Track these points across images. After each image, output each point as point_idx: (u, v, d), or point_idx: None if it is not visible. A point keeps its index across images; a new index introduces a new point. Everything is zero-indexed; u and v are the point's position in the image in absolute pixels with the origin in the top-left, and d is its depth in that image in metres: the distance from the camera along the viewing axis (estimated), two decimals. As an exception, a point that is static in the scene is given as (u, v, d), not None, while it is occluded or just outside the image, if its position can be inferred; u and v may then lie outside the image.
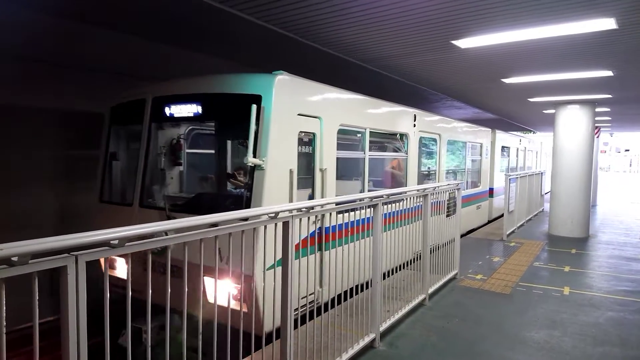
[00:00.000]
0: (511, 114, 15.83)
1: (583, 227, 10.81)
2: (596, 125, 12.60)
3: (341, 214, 4.60)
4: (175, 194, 5.92)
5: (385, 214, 4.48)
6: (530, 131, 23.99)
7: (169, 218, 4.88)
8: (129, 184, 5.83)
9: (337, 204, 3.83)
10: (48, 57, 7.35)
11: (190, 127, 6.24)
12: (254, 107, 4.40)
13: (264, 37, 5.79)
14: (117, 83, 6.85)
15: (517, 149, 15.96)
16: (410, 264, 5.33)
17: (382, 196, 4.33)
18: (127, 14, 5.50)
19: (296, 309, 3.30)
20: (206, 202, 5.57)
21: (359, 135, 6.46)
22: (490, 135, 12.91)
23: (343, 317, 4.15)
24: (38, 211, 7.38)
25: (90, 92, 7.64)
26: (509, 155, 14.91)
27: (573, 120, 10.75)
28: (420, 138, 8.22)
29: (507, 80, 8.50)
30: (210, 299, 2.68)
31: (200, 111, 5.13)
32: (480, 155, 12.25)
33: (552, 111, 11.51)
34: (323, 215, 4.24)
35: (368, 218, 4.34)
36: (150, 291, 2.35)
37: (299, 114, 4.95)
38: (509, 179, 10.24)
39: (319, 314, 3.73)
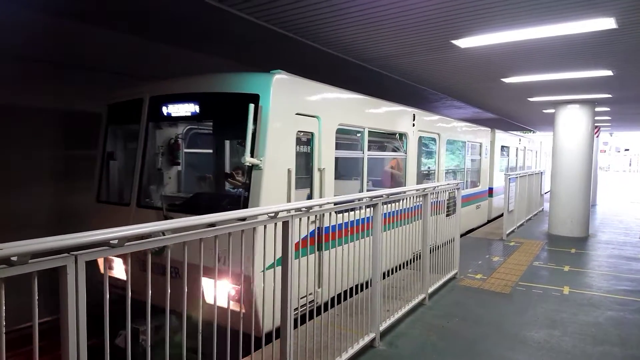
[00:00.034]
0: (511, 113, 15.84)
1: (583, 226, 10.81)
2: (596, 124, 12.60)
3: (340, 214, 4.61)
4: (173, 194, 5.90)
5: (385, 214, 4.48)
6: (530, 131, 24.00)
7: (166, 218, 4.85)
8: (127, 183, 5.81)
9: (337, 203, 3.83)
10: (48, 56, 7.34)
11: (189, 127, 6.22)
12: (252, 106, 4.38)
13: (263, 36, 5.79)
14: (117, 83, 6.83)
15: (517, 149, 15.97)
16: (410, 263, 5.33)
17: (381, 196, 4.33)
18: (127, 14, 5.50)
19: (296, 309, 3.30)
20: (204, 202, 5.55)
21: (357, 134, 6.45)
22: (490, 134, 12.92)
23: (343, 317, 4.15)
24: (35, 211, 7.35)
25: (90, 92, 7.63)
26: (508, 155, 14.91)
27: (573, 120, 10.76)
28: (420, 138, 8.21)
29: (506, 80, 8.50)
30: (208, 300, 2.67)
31: (197, 110, 5.11)
32: (480, 154, 12.25)
33: (552, 111, 11.51)
34: (323, 215, 4.23)
35: (367, 218, 4.34)
36: (150, 292, 2.35)
37: (297, 114, 4.93)
38: (509, 179, 10.24)
39: (318, 314, 3.73)
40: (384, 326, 4.58)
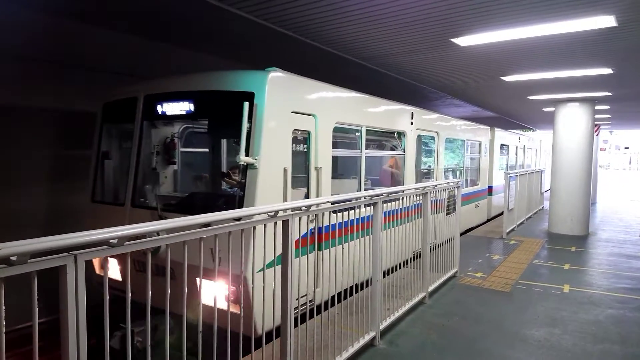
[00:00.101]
0: (511, 111, 15.83)
1: (583, 224, 10.81)
2: (596, 122, 12.61)
3: (340, 213, 4.59)
4: (168, 194, 5.86)
5: (385, 213, 4.47)
6: (530, 129, 23.99)
7: (161, 218, 4.82)
8: (121, 183, 5.76)
9: (337, 202, 3.82)
10: (47, 56, 7.34)
11: (185, 126, 6.17)
12: (247, 104, 4.33)
13: (263, 35, 5.78)
14: (116, 82, 6.83)
15: (517, 147, 15.96)
16: (410, 262, 5.33)
17: (382, 194, 4.33)
18: (127, 14, 5.49)
19: (295, 308, 3.30)
20: (199, 201, 5.50)
21: (355, 133, 6.41)
22: (489, 133, 12.90)
23: (343, 316, 4.15)
24: (31, 212, 7.34)
25: (90, 92, 7.62)
26: (508, 153, 14.90)
27: (573, 118, 10.75)
28: (418, 136, 8.17)
29: (506, 78, 8.50)
30: (204, 301, 2.64)
31: (192, 109, 5.05)
32: (479, 153, 12.24)
33: (552, 109, 11.50)
34: (323, 214, 4.21)
35: (366, 217, 4.32)
36: (150, 292, 2.34)
37: (293, 112, 4.88)
38: (509, 177, 10.24)
39: (317, 313, 3.73)
40: (384, 325, 4.58)
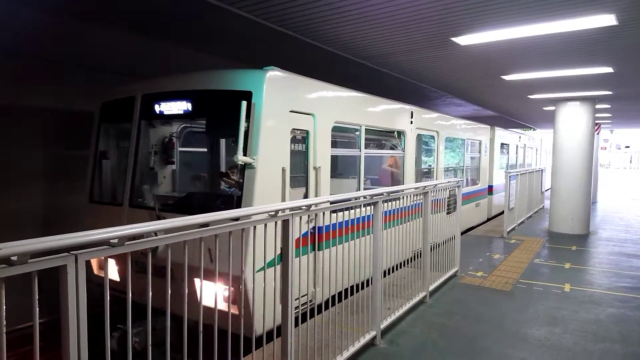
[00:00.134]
0: (511, 111, 15.82)
1: (583, 224, 10.81)
2: (596, 121, 12.59)
3: (340, 212, 4.58)
4: (166, 194, 5.82)
5: (385, 212, 4.46)
6: (531, 128, 23.98)
7: (159, 218, 4.78)
8: (119, 183, 5.72)
9: (337, 202, 3.82)
10: (47, 55, 7.33)
11: (183, 125, 6.13)
12: (244, 103, 4.28)
13: (263, 35, 5.78)
14: (117, 82, 6.82)
15: (517, 146, 15.94)
16: (411, 261, 5.32)
17: (382, 194, 4.32)
18: (127, 13, 5.49)
19: (296, 308, 3.30)
20: (197, 201, 5.46)
21: (354, 132, 6.37)
22: (489, 132, 12.88)
23: (344, 315, 4.15)
24: (30, 211, 7.32)
25: (90, 92, 7.62)
26: (508, 153, 14.89)
27: (573, 117, 10.74)
28: (418, 135, 8.14)
29: (507, 77, 8.49)
30: (205, 301, 2.62)
31: (190, 108, 5.01)
32: (479, 152, 12.23)
33: (552, 108, 11.50)
34: (323, 214, 4.19)
35: (366, 217, 4.30)
36: (149, 293, 2.33)
37: (291, 111, 4.85)
38: (509, 176, 10.24)
39: (317, 313, 3.72)
40: (384, 324, 4.58)
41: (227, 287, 3.71)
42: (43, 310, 1.83)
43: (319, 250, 4.92)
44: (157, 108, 5.27)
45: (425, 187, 5.53)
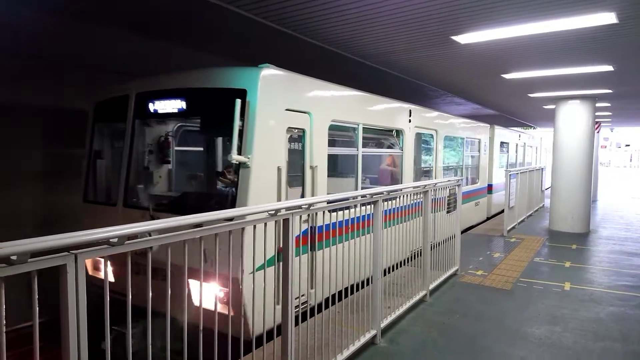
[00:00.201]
0: (511, 109, 15.82)
1: (583, 222, 10.81)
2: (596, 120, 12.59)
3: (339, 212, 4.57)
4: (161, 193, 5.75)
5: (385, 211, 4.46)
6: (531, 127, 23.98)
7: (152, 218, 4.72)
8: (114, 183, 5.66)
9: (337, 201, 3.81)
10: (47, 55, 7.33)
11: (179, 124, 6.07)
12: (238, 101, 4.22)
13: (262, 34, 5.78)
14: (116, 82, 6.82)
15: (517, 145, 15.93)
16: (411, 260, 5.32)
17: (382, 193, 4.32)
18: (127, 13, 5.48)
19: (296, 307, 3.30)
20: (191, 201, 5.40)
21: (352, 131, 6.31)
22: (489, 130, 12.86)
23: (344, 314, 4.15)
24: (29, 211, 7.31)
25: (89, 91, 7.62)
26: (508, 151, 14.88)
27: (573, 116, 10.74)
28: (417, 134, 8.09)
29: (507, 76, 8.49)
30: (197, 302, 2.59)
31: (184, 107, 4.93)
32: (479, 151, 12.21)
33: (552, 107, 11.49)
34: (323, 213, 4.18)
35: (364, 216, 4.28)
36: (149, 294, 2.31)
37: (287, 109, 4.79)
38: (509, 175, 10.23)
39: (318, 312, 3.72)
40: (385, 323, 4.58)
41: (224, 288, 3.71)
42: (41, 310, 1.82)
43: (315, 250, 4.86)
44: (151, 107, 5.19)
45: (425, 186, 5.53)
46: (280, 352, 3.19)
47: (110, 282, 2.16)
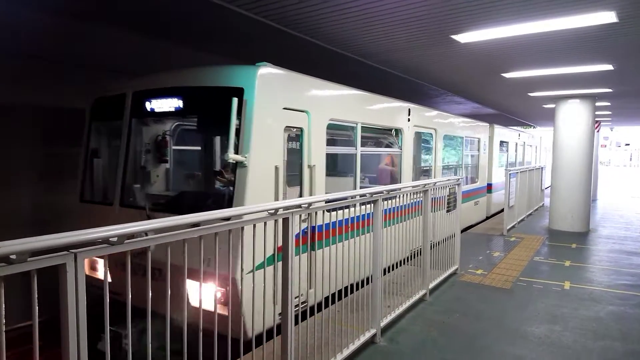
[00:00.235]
0: (511, 108, 15.82)
1: (583, 221, 10.81)
2: (596, 119, 12.59)
3: (339, 210, 4.55)
4: (158, 193, 5.70)
5: (385, 210, 4.45)
6: (530, 126, 23.97)
7: (149, 218, 4.68)
8: (110, 182, 5.63)
9: (336, 200, 3.81)
10: (47, 55, 7.32)
11: (177, 123, 6.02)
12: (235, 100, 4.16)
13: (263, 33, 5.77)
14: (115, 81, 6.82)
15: (516, 144, 15.92)
16: (411, 259, 5.32)
17: (382, 192, 4.32)
18: (127, 13, 5.47)
19: (296, 306, 3.30)
20: (188, 201, 5.36)
21: (350, 130, 6.28)
22: (489, 130, 12.85)
23: (344, 313, 4.15)
24: (28, 211, 7.31)
25: (90, 91, 7.62)
26: (507, 150, 14.87)
27: (573, 115, 10.74)
28: (416, 133, 8.06)
29: (507, 75, 8.48)
30: (194, 302, 2.59)
31: (181, 106, 4.88)
32: (478, 150, 12.20)
33: (552, 106, 11.49)
34: (323, 212, 4.17)
35: (363, 215, 4.26)
36: (149, 294, 2.31)
37: (284, 108, 4.73)
38: (509, 174, 10.23)
39: (317, 311, 3.72)
40: (384, 322, 4.58)
41: (223, 288, 3.70)
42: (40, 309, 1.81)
43: (312, 250, 4.81)
44: (147, 105, 5.15)
45: (425, 185, 5.53)
46: (280, 351, 3.19)
47: (103, 281, 2.15)
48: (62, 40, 6.66)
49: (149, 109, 5.17)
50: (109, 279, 2.17)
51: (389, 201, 4.66)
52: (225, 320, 2.69)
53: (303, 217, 4.29)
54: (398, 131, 7.44)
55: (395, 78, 8.79)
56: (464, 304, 5.56)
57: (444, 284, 6.31)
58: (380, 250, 4.34)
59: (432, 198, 5.62)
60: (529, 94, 11.10)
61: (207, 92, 4.78)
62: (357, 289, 4.18)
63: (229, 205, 4.32)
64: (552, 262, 7.75)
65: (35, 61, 7.25)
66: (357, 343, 4.08)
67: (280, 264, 3.19)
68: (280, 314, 3.21)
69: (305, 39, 5.91)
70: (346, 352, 3.91)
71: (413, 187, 5.43)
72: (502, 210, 10.59)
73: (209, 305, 2.67)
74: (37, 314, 1.81)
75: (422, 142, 9.04)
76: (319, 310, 3.73)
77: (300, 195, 5.04)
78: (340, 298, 4.05)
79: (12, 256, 1.65)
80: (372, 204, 4.27)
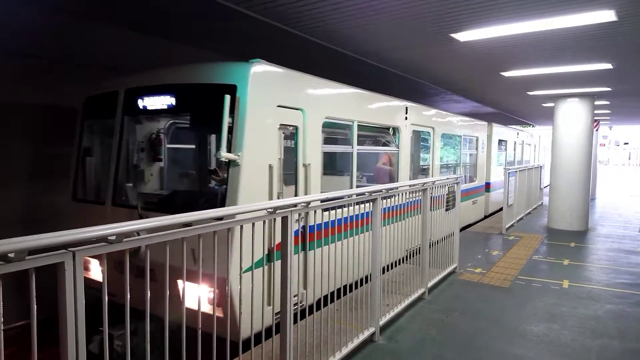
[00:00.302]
0: (510, 107, 15.82)
1: (582, 220, 10.83)
2: (595, 118, 12.58)
3: (338, 209, 4.53)
4: (150, 192, 5.64)
5: (384, 209, 4.44)
6: (529, 125, 23.98)
7: (141, 217, 4.62)
8: (103, 181, 5.57)
9: (335, 199, 3.81)
10: (47, 55, 7.31)
11: (171, 121, 5.95)
12: (227, 97, 4.09)
13: (263, 32, 5.76)
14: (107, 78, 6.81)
15: (515, 143, 15.90)
16: (409, 258, 5.32)
17: (381, 191, 4.32)
18: (127, 11, 5.46)
19: (295, 304, 3.29)
20: (180, 200, 5.30)
21: (347, 128, 6.22)
22: (487, 128, 12.82)
23: (343, 312, 4.15)
24: (29, 211, 7.29)
25: (89, 91, 7.61)
26: (506, 149, 14.86)
27: (572, 114, 10.74)
28: (413, 131, 8.01)
29: (506, 74, 8.48)
30: (189, 304, 2.56)
31: (173, 103, 4.81)
32: (477, 149, 12.19)
33: (551, 105, 11.49)
34: (322, 211, 4.14)
35: (361, 214, 4.24)
36: (148, 294, 2.30)
37: (278, 106, 4.66)
38: (508, 173, 10.24)
39: (315, 311, 3.72)
40: (383, 321, 4.59)
41: (217, 289, 3.69)
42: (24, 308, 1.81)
43: (305, 250, 4.81)
44: (140, 103, 5.08)
45: (424, 184, 5.53)
46: (279, 349, 3.20)
47: (96, 282, 2.15)
48: (62, 40, 6.64)
49: (141, 107, 5.09)
50: (100, 280, 2.15)
51: (388, 200, 4.65)
52: (219, 320, 2.67)
53: (299, 216, 4.27)
54: (395, 130, 7.39)
55: (396, 77, 8.79)
56: (463, 303, 5.56)
57: (443, 282, 6.31)
58: (379, 249, 4.34)
59: (431, 197, 5.62)
60: (528, 92, 11.11)
61: (199, 90, 4.71)
62: (356, 287, 4.17)
63: (222, 204, 4.26)
64: (551, 261, 7.76)
65: (35, 61, 7.23)
66: (356, 341, 4.08)
67: (276, 263, 3.19)
68: (277, 313, 3.21)
69: (305, 37, 5.90)
70: (345, 350, 3.91)
71: (412, 185, 5.43)
72: (501, 209, 10.59)
73: (203, 305, 2.65)
74: (35, 312, 1.81)
75: (420, 140, 9.01)
76: (318, 309, 3.73)
77: (296, 195, 4.97)
78: (338, 297, 4.05)
79: (10, 254, 1.65)
80: (372, 203, 4.27)
